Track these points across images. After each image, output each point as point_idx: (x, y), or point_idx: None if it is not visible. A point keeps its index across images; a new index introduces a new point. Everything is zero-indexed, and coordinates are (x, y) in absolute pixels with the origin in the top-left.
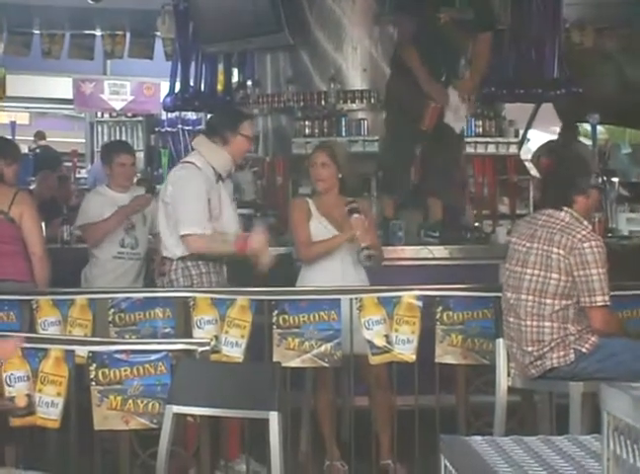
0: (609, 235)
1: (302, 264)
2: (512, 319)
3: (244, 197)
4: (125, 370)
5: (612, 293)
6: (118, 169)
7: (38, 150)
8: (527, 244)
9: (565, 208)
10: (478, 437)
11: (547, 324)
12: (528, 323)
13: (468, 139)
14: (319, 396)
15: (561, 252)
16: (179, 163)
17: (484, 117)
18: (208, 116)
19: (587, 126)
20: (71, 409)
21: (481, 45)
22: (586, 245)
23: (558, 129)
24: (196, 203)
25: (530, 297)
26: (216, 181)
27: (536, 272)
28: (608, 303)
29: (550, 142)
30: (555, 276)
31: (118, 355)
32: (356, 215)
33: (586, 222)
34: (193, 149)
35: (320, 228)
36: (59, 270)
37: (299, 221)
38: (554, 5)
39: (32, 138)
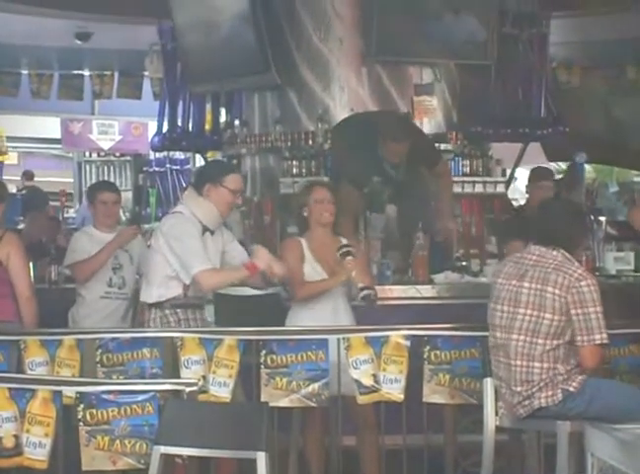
0: (597, 274)
1: (292, 304)
2: (501, 359)
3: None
4: (113, 411)
5: None
6: (100, 207)
7: (24, 191)
8: (517, 283)
9: (557, 248)
10: None
11: (537, 365)
12: (518, 363)
13: (456, 178)
14: (307, 436)
15: (556, 291)
16: (167, 214)
17: (471, 156)
18: (197, 162)
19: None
20: (59, 449)
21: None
22: (583, 283)
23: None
24: (195, 242)
25: (522, 337)
26: (202, 233)
27: (529, 311)
28: (606, 341)
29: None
30: (549, 315)
31: (105, 396)
32: (349, 258)
33: (577, 263)
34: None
35: (312, 273)
36: (47, 310)
37: (294, 261)
38: (541, 43)
39: (19, 178)
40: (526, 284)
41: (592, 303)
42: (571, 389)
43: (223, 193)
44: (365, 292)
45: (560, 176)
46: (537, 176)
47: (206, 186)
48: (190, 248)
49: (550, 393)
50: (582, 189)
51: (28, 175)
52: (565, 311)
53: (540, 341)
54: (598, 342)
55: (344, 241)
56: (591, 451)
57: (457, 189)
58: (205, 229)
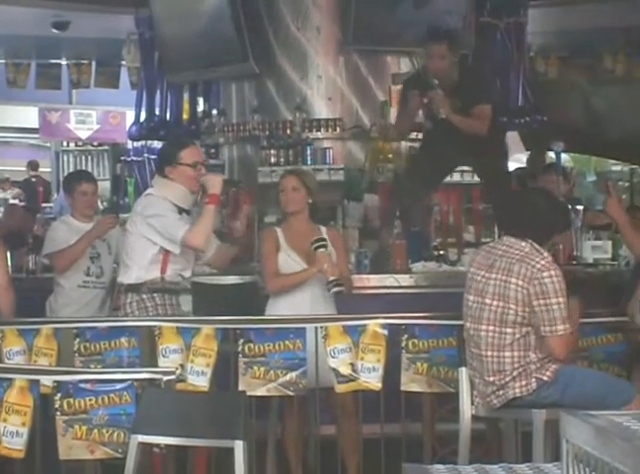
0: (574, 263)
1: (270, 294)
2: (473, 349)
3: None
4: (90, 400)
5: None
6: (79, 198)
7: (33, 179)
8: (486, 274)
9: (527, 239)
10: (441, 466)
11: (508, 354)
12: (489, 353)
13: None
14: (285, 425)
15: (519, 282)
16: (139, 198)
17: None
18: None
19: (552, 154)
20: (36, 439)
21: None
22: (545, 274)
23: (524, 157)
24: (171, 214)
25: (491, 328)
26: (179, 213)
27: (495, 302)
28: (569, 330)
29: (518, 169)
30: (512, 306)
31: (82, 385)
32: (321, 250)
33: (546, 253)
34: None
35: (288, 261)
36: (25, 299)
37: (268, 252)
38: (518, 32)
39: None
40: (493, 275)
41: (554, 294)
42: (545, 378)
43: (183, 170)
44: (335, 289)
45: (522, 165)
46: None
47: (167, 168)
48: (168, 220)
49: (524, 382)
50: (570, 180)
51: (33, 165)
52: (528, 302)
53: (509, 330)
54: (561, 332)
55: (322, 229)
56: (566, 438)
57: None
58: (181, 210)
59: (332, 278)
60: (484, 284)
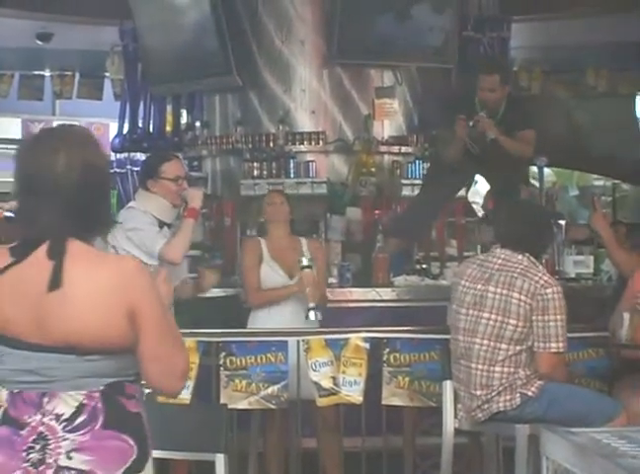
0: (556, 278)
1: (252, 307)
2: (462, 362)
3: (193, 238)
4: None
5: None
6: None
7: None
8: (482, 288)
9: (523, 252)
10: None
11: (498, 369)
12: (480, 367)
13: (416, 181)
14: (267, 438)
15: (522, 297)
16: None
17: (430, 158)
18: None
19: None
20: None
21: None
22: (549, 291)
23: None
24: (150, 227)
25: (485, 342)
26: (160, 226)
27: (493, 316)
28: (562, 350)
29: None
30: (513, 321)
31: None
32: (307, 271)
33: (541, 266)
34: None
35: (270, 273)
36: None
37: (250, 264)
38: (501, 47)
39: None
40: (492, 289)
41: (553, 311)
42: (529, 394)
43: (165, 184)
44: (312, 313)
45: None
46: None
47: (149, 181)
48: (146, 234)
49: (509, 397)
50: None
51: None
52: (529, 317)
53: (504, 346)
54: (554, 350)
55: (303, 241)
56: (546, 455)
57: (418, 191)
58: (162, 223)
59: (312, 305)
60: (481, 298)
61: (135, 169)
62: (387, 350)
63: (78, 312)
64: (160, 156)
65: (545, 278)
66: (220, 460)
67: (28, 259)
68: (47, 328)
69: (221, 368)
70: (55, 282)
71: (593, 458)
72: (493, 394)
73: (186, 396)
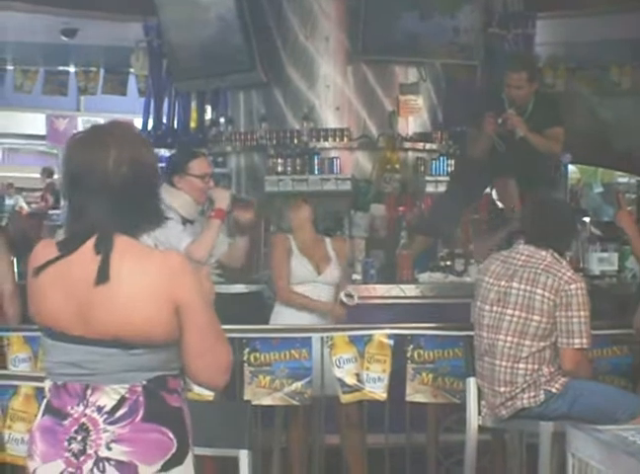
0: (581, 275)
1: (276, 302)
2: (486, 358)
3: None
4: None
5: None
6: None
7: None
8: (506, 284)
9: (546, 248)
10: None
11: (522, 366)
12: (504, 364)
13: (441, 178)
14: (290, 434)
15: (546, 293)
16: None
17: (456, 156)
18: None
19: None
20: None
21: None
22: (573, 287)
23: None
24: (176, 225)
25: (509, 338)
26: (183, 223)
27: (517, 313)
28: (585, 347)
29: None
30: (537, 317)
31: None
32: (345, 300)
33: (565, 262)
34: None
35: (299, 267)
36: None
37: (280, 259)
38: (526, 44)
39: (2, 174)
40: (515, 285)
41: (577, 307)
42: (553, 390)
43: (191, 180)
44: (347, 297)
45: None
46: None
47: (175, 177)
48: (170, 232)
49: (533, 394)
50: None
51: (48, 171)
52: (552, 314)
53: (527, 342)
54: (577, 346)
55: (327, 240)
56: (572, 452)
57: (443, 188)
58: (185, 220)
59: (346, 292)
60: (504, 294)
61: (160, 165)
62: (411, 346)
63: (123, 306)
64: (187, 152)
65: (569, 275)
66: (244, 456)
67: (75, 253)
68: (92, 321)
69: (245, 365)
70: (103, 276)
71: (619, 456)
72: (517, 391)
73: (210, 392)
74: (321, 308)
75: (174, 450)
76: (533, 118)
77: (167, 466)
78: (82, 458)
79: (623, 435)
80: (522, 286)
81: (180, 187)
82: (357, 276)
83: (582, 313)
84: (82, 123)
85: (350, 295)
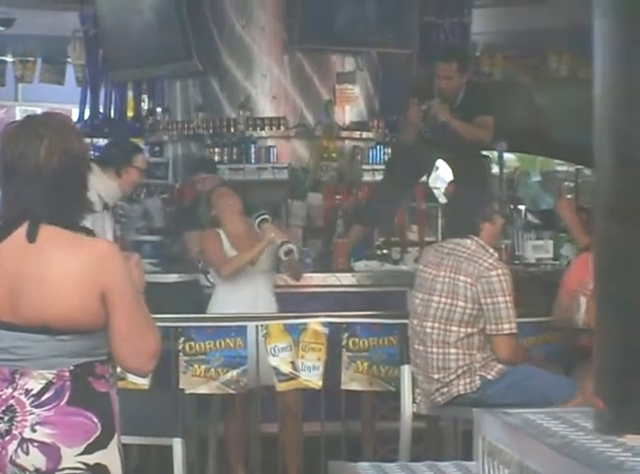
0: (516, 262)
1: (214, 290)
2: (417, 346)
3: (153, 224)
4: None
5: (518, 320)
6: None
7: None
8: (434, 272)
9: (471, 236)
10: (365, 464)
11: (453, 351)
12: (434, 350)
13: (377, 167)
14: (227, 423)
15: (468, 280)
16: None
17: (393, 144)
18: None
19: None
20: None
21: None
22: (493, 273)
23: None
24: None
25: (436, 325)
26: (103, 209)
27: (443, 299)
28: (515, 331)
29: None
30: (461, 303)
31: None
32: (266, 225)
33: (492, 250)
34: None
35: None
36: None
37: (215, 250)
38: (463, 33)
39: None
40: (442, 273)
41: (501, 293)
42: (489, 377)
43: (133, 172)
44: (285, 247)
45: None
46: None
47: (118, 167)
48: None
49: (468, 380)
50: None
51: None
52: (476, 300)
53: (454, 328)
54: (507, 331)
55: (260, 228)
56: (481, 435)
57: (380, 177)
58: (105, 206)
59: (283, 240)
60: (432, 282)
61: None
62: (346, 334)
63: (51, 293)
64: (134, 146)
65: (490, 261)
66: (178, 444)
67: (5, 240)
68: (21, 307)
69: (180, 354)
70: (32, 236)
71: (523, 438)
72: (452, 377)
73: (144, 381)
74: (260, 248)
75: (97, 434)
76: (463, 107)
77: (90, 449)
78: (7, 438)
79: (531, 419)
80: (447, 274)
81: (119, 176)
82: None
83: (508, 298)
84: (20, 113)
85: (289, 251)
